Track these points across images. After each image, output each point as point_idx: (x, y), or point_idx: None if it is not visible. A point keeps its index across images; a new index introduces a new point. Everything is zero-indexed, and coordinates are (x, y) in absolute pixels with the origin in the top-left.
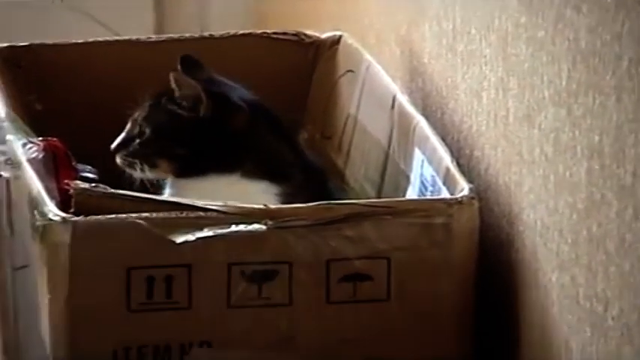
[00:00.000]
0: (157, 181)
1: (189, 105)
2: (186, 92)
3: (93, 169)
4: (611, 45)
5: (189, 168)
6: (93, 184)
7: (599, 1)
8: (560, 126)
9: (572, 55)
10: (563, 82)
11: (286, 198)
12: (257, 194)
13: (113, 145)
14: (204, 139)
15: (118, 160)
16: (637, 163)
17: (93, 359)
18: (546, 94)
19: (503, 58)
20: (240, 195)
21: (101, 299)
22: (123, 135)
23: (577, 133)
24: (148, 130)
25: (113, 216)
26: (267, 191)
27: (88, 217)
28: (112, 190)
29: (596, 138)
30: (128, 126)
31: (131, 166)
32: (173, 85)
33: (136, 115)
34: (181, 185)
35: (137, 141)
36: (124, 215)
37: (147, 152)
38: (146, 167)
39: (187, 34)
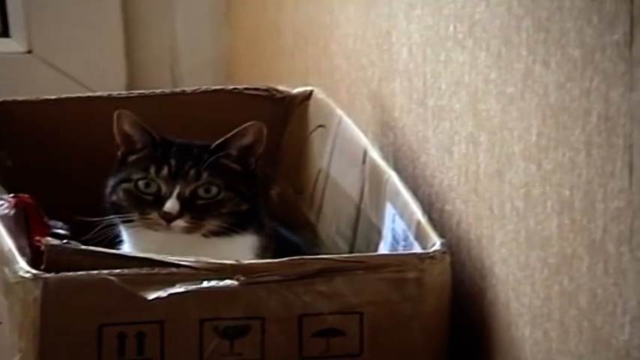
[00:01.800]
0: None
1: (238, 154)
2: (245, 140)
3: (64, 226)
4: (579, 100)
5: (237, 225)
6: (64, 241)
7: (567, 56)
8: (530, 181)
9: (541, 111)
10: (533, 138)
11: (260, 251)
12: (245, 249)
13: (173, 211)
14: (255, 194)
15: (182, 223)
16: (607, 218)
17: None
18: (516, 149)
19: (474, 113)
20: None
21: (72, 356)
22: (175, 197)
23: (547, 188)
24: (214, 188)
25: (84, 272)
26: (251, 245)
27: (59, 274)
28: (84, 247)
29: (567, 193)
30: (162, 186)
31: (195, 229)
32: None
33: (166, 173)
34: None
35: (201, 201)
36: (95, 272)
37: (217, 212)
38: (206, 228)
39: (158, 90)
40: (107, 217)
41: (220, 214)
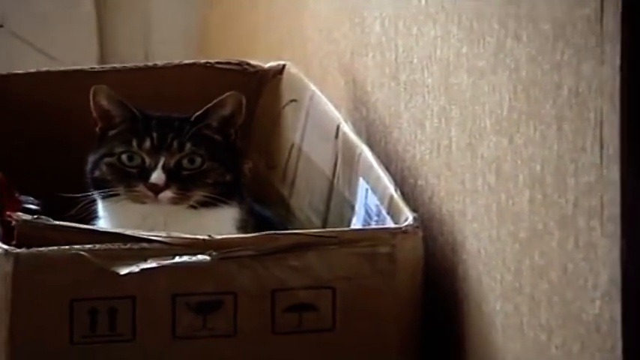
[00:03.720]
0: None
1: (219, 125)
2: (225, 110)
3: (36, 201)
4: (551, 74)
5: (222, 196)
6: (36, 216)
7: (539, 30)
8: (502, 155)
9: (513, 85)
10: (505, 112)
11: (241, 224)
12: (227, 221)
13: (159, 182)
14: (237, 165)
15: (169, 194)
16: (578, 192)
17: None
18: (488, 123)
19: (446, 87)
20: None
21: (43, 331)
22: (160, 169)
23: (519, 162)
24: (199, 158)
25: (56, 248)
26: (232, 217)
27: (31, 249)
28: (55, 222)
29: (538, 167)
30: (146, 158)
31: (182, 200)
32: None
33: (148, 145)
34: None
35: (186, 172)
36: (67, 247)
37: (202, 182)
38: (193, 199)
39: (131, 64)
40: (90, 193)
41: (206, 185)
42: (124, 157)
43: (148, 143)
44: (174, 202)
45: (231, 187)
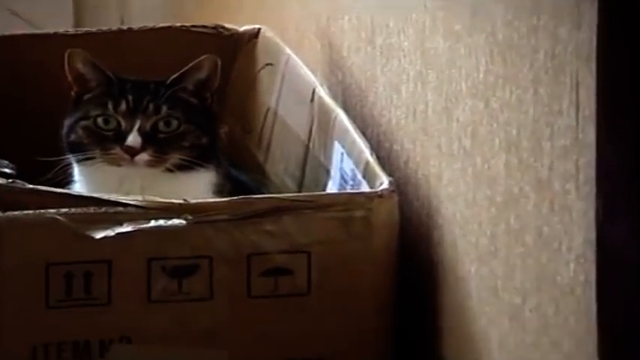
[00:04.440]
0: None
1: (195, 88)
2: (201, 74)
3: (11, 165)
4: (527, 38)
5: (198, 159)
6: (10, 180)
7: None
8: (478, 119)
9: (489, 48)
10: (481, 75)
11: (218, 188)
12: (204, 185)
13: (135, 145)
14: (213, 129)
15: (146, 157)
16: (553, 156)
17: (11, 356)
18: (464, 86)
19: (422, 51)
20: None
21: (19, 296)
22: (136, 132)
23: (495, 126)
24: (175, 121)
25: (31, 212)
26: (208, 182)
27: (6, 213)
28: (31, 186)
29: (514, 131)
30: (122, 121)
31: (158, 163)
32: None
33: (124, 108)
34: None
35: (162, 135)
36: (42, 211)
37: (178, 145)
38: (170, 162)
39: (106, 28)
40: (66, 157)
41: (182, 148)
42: (99, 120)
43: (123, 106)
44: (151, 164)
45: (208, 151)
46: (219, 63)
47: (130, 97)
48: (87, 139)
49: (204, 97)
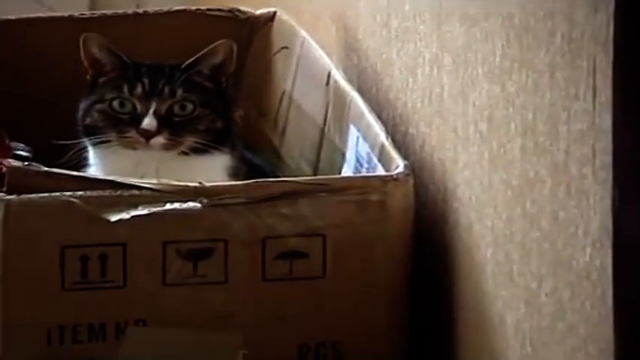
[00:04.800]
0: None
1: (210, 73)
2: (216, 58)
3: (27, 148)
4: (544, 22)
5: (214, 142)
6: (27, 163)
7: None
8: (494, 103)
9: (505, 32)
10: (497, 59)
11: (232, 171)
12: (218, 169)
13: (150, 128)
14: (228, 112)
15: (161, 140)
16: (570, 140)
17: (27, 338)
18: (480, 71)
19: (438, 35)
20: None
21: (35, 278)
22: (151, 115)
23: (511, 110)
24: (190, 105)
25: (47, 195)
26: (225, 164)
27: (22, 196)
28: (46, 169)
29: (530, 115)
30: (137, 104)
31: (174, 146)
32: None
33: (140, 91)
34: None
35: (177, 118)
36: (58, 194)
37: (193, 128)
38: (185, 145)
39: (121, 11)
40: (81, 140)
41: (197, 131)
42: (115, 103)
43: (139, 89)
44: (166, 147)
45: (223, 134)
46: (235, 48)
47: (146, 81)
48: (102, 122)
49: (220, 81)
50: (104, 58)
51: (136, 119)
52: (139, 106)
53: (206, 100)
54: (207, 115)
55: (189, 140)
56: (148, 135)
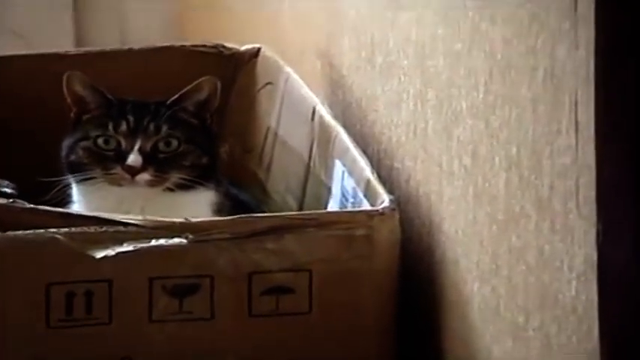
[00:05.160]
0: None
1: (195, 109)
2: (201, 95)
3: (11, 184)
4: (526, 57)
5: (199, 178)
6: (11, 200)
7: (514, 13)
8: (478, 138)
9: (488, 68)
10: (481, 95)
11: (217, 207)
12: (203, 205)
13: (135, 164)
14: (213, 148)
15: (147, 176)
16: (554, 175)
17: None
18: (464, 106)
19: (422, 70)
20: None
21: (19, 315)
22: (136, 152)
23: (495, 144)
24: (174, 141)
25: (31, 231)
26: (210, 200)
27: (6, 233)
28: (31, 205)
29: (514, 150)
30: (122, 141)
31: (159, 183)
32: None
33: (125, 128)
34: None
35: (162, 155)
36: (43, 230)
37: (178, 164)
38: (170, 181)
39: (107, 48)
40: (66, 177)
41: (182, 167)
42: (100, 140)
43: (124, 126)
44: (151, 184)
45: (208, 170)
46: (219, 84)
47: (131, 118)
48: (87, 159)
49: (204, 117)
50: (88, 96)
51: (122, 156)
52: (124, 143)
53: (191, 137)
54: (192, 151)
55: (175, 176)
56: (133, 171)
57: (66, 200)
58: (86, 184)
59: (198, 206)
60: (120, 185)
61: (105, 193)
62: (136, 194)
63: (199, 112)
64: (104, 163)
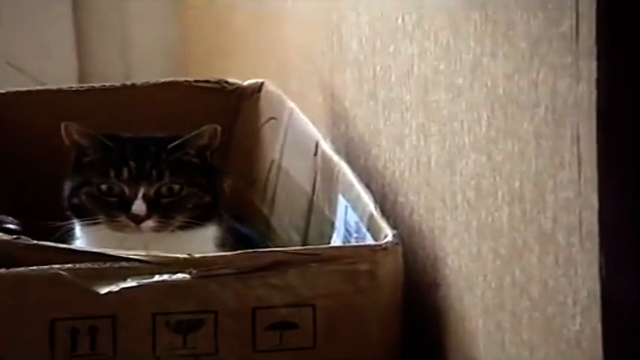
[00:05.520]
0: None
1: (196, 152)
2: (202, 140)
3: (15, 221)
4: (527, 92)
5: (202, 218)
6: (15, 236)
7: (515, 48)
8: (481, 172)
9: (490, 102)
10: (483, 129)
11: (220, 241)
12: (207, 240)
13: (140, 212)
14: (214, 185)
15: (151, 223)
16: (556, 209)
17: None
18: (466, 140)
19: (424, 104)
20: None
21: (24, 352)
22: (140, 199)
23: (498, 179)
24: (177, 185)
25: (36, 268)
26: (213, 236)
27: (10, 269)
28: (35, 242)
29: (517, 184)
30: (125, 188)
31: (164, 228)
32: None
33: (127, 175)
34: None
35: (165, 200)
36: (47, 267)
37: (183, 208)
38: (174, 225)
39: (110, 83)
40: (70, 222)
41: (186, 210)
42: (103, 187)
43: (125, 173)
44: (156, 230)
45: (210, 208)
46: (219, 129)
47: (132, 164)
48: (90, 205)
49: (205, 156)
50: (86, 143)
51: (126, 204)
52: (127, 190)
53: (193, 179)
54: (195, 193)
55: (179, 220)
56: (138, 219)
57: (68, 240)
58: (89, 227)
59: (200, 243)
60: (125, 232)
61: (108, 236)
62: (139, 236)
63: (200, 153)
64: (108, 210)
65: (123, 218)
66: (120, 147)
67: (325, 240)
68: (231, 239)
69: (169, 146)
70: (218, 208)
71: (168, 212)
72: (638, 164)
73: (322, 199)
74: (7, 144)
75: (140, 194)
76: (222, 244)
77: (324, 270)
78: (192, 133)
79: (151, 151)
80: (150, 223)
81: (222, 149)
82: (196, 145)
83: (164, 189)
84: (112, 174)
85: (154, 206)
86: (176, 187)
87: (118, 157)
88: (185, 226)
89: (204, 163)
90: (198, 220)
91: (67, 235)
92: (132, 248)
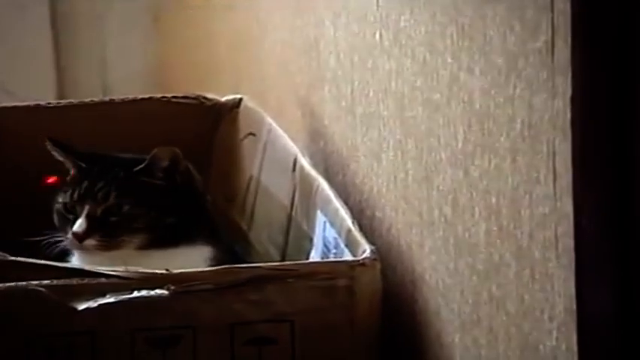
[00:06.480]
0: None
1: (163, 174)
2: (163, 163)
3: None
4: (504, 107)
5: (168, 238)
6: None
7: (491, 63)
8: (457, 187)
9: (467, 117)
10: (460, 144)
11: (216, 262)
12: (199, 260)
13: (79, 230)
14: (182, 207)
15: (93, 242)
16: (533, 224)
17: None
18: (443, 155)
19: (401, 120)
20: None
21: None
22: (83, 218)
23: (474, 194)
24: (126, 206)
25: (12, 284)
26: (206, 256)
27: None
28: (12, 258)
29: (493, 199)
30: (77, 207)
31: (110, 247)
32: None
33: (76, 195)
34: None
35: (113, 219)
36: (24, 283)
37: (129, 228)
38: (122, 244)
39: (88, 99)
40: (45, 237)
41: (136, 230)
42: (61, 205)
43: (76, 193)
44: (99, 248)
45: (182, 228)
46: (178, 151)
47: (85, 184)
48: (58, 222)
49: (173, 178)
50: (65, 161)
51: (74, 222)
52: (77, 209)
53: (147, 199)
54: (146, 214)
55: (127, 239)
56: (78, 237)
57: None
58: (60, 244)
59: (191, 262)
60: (73, 249)
61: (95, 252)
62: (116, 256)
63: (167, 175)
64: (65, 227)
65: (69, 235)
66: (88, 166)
67: (304, 255)
68: (231, 261)
69: (135, 168)
70: (203, 228)
71: (115, 230)
72: (613, 180)
73: (301, 215)
74: None
75: (84, 213)
76: (218, 265)
77: (302, 285)
78: (149, 157)
79: (111, 171)
80: (91, 242)
81: (201, 165)
82: (158, 167)
83: (114, 209)
84: (70, 193)
85: (97, 225)
86: (125, 207)
87: (81, 177)
88: (147, 245)
89: (170, 184)
90: (161, 240)
91: (52, 251)
92: (114, 265)
